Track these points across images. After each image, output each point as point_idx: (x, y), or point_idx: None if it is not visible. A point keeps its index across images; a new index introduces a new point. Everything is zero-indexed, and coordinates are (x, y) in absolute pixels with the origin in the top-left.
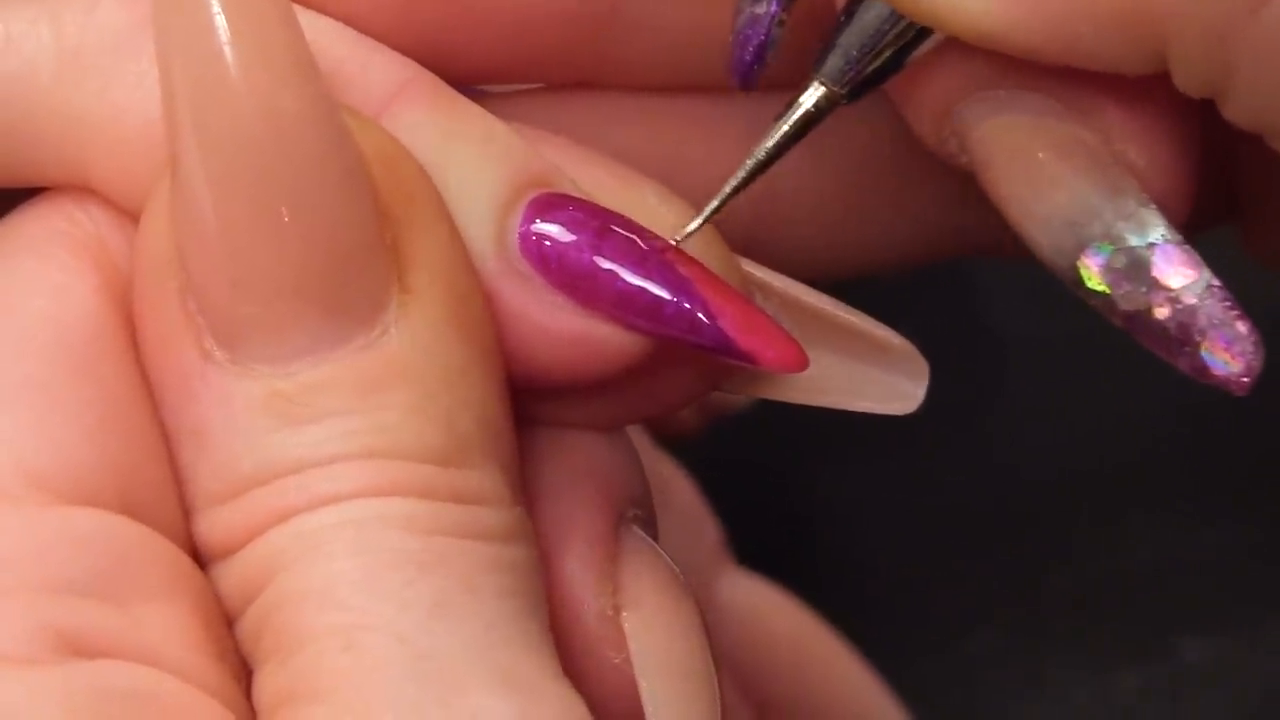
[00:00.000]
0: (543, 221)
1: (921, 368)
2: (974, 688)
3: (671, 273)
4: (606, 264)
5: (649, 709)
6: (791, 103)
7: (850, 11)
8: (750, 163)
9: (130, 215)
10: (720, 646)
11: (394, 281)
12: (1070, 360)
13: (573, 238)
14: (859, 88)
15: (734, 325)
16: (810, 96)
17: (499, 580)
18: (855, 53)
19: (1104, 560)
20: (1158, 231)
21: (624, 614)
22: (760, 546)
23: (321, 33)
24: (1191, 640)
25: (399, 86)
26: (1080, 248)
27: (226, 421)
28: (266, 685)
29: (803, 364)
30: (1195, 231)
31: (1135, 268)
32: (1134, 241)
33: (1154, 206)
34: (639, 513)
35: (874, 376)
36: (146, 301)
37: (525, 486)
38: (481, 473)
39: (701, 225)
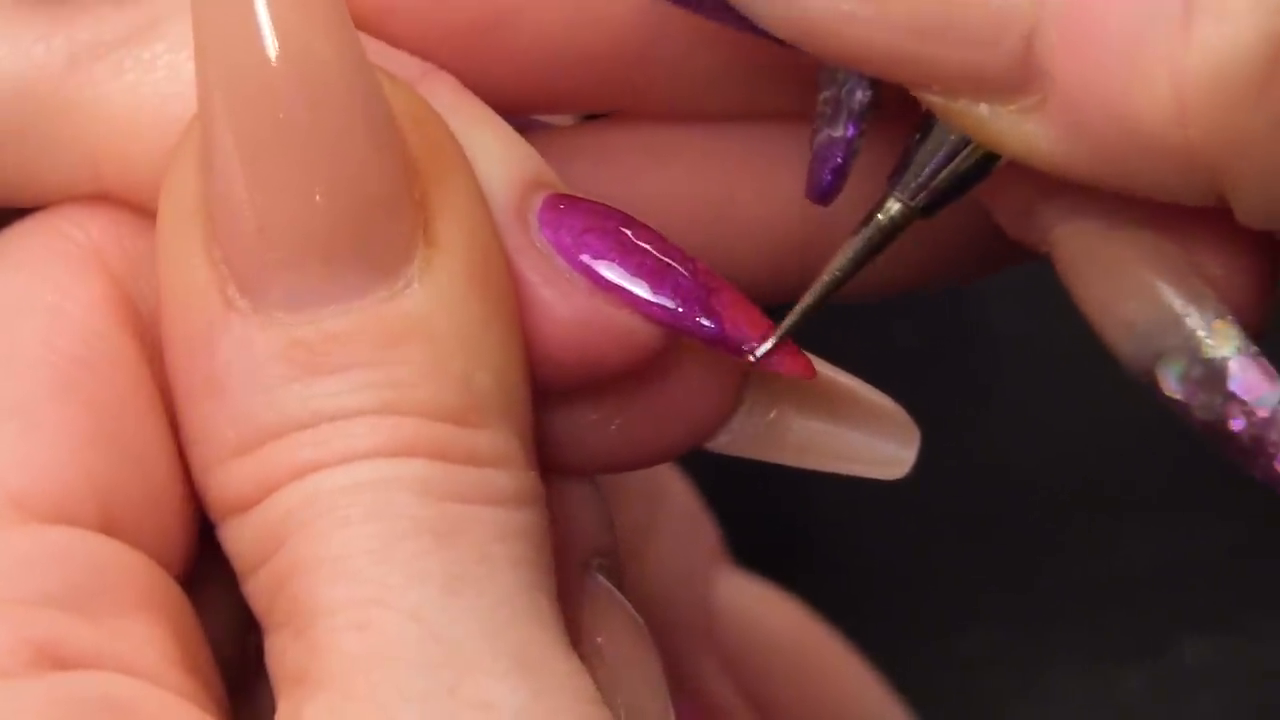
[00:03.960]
0: (560, 216)
1: (912, 433)
2: (973, 688)
3: (685, 272)
4: (621, 259)
5: None
6: (869, 218)
7: (926, 128)
8: (827, 278)
9: (136, 218)
10: (719, 648)
11: (420, 234)
12: (1069, 360)
13: (588, 234)
14: (934, 201)
15: (747, 321)
16: (887, 212)
17: (512, 549)
18: (930, 169)
19: (1103, 560)
20: (1234, 344)
21: (589, 661)
22: (758, 548)
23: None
24: (1191, 640)
25: (421, 73)
26: (1157, 356)
27: (246, 370)
28: (282, 655)
29: (811, 374)
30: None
31: (1211, 379)
32: (1211, 354)
33: (1231, 318)
34: (604, 561)
35: (864, 441)
36: (169, 251)
37: None
38: (496, 433)
39: (780, 338)
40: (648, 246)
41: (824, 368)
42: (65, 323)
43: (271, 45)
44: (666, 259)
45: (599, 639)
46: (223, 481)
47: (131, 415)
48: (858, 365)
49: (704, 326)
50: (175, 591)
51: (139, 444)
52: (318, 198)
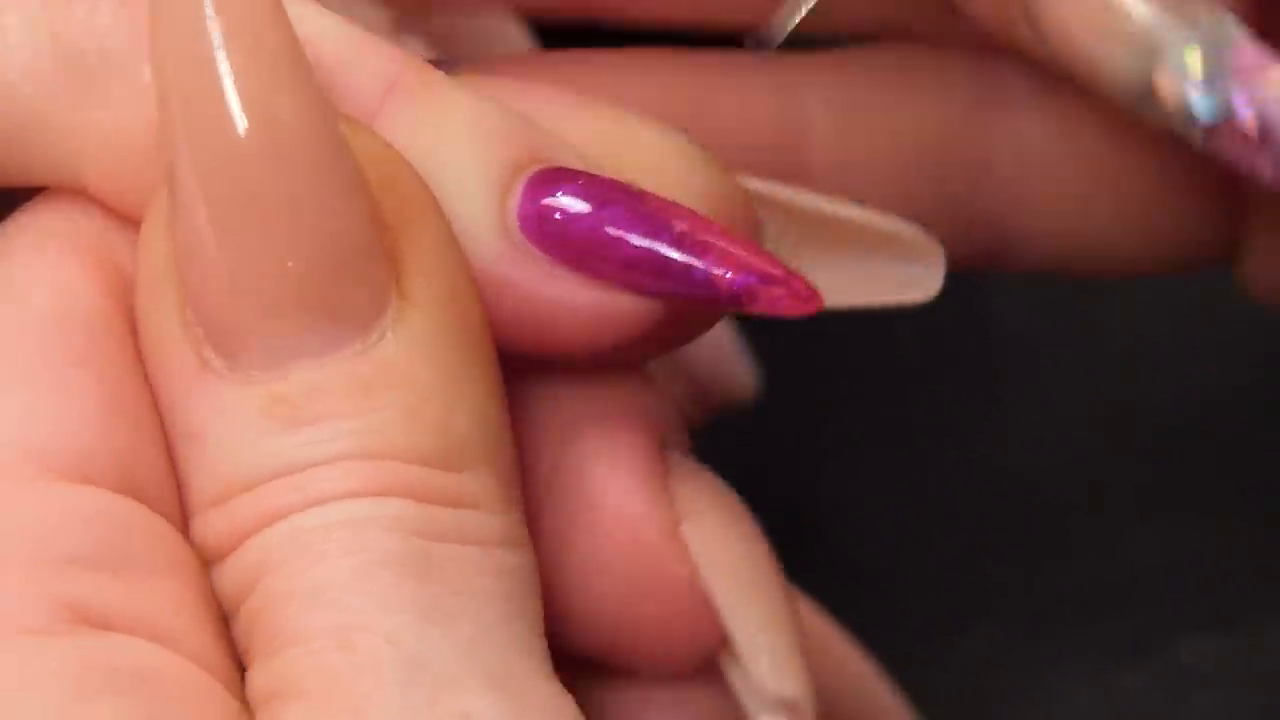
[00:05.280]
0: (541, 199)
1: (935, 251)
2: (973, 688)
3: (677, 234)
4: (610, 232)
5: (725, 614)
6: None
7: None
8: None
9: (130, 220)
10: None
11: (392, 287)
12: (1070, 360)
13: (573, 212)
14: None
15: (747, 279)
16: None
17: (491, 584)
18: None
19: (1104, 560)
20: (1231, 29)
21: (684, 527)
22: None
23: (309, 28)
24: (1191, 640)
25: (387, 86)
26: (1155, 59)
27: (223, 427)
28: (254, 683)
29: (820, 306)
30: (1189, 270)
31: (1215, 67)
32: (1211, 38)
33: (1224, 8)
34: (675, 437)
35: (888, 269)
36: (146, 312)
37: (570, 421)
38: (476, 476)
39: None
40: (635, 218)
41: (832, 204)
42: (75, 301)
43: (237, 112)
44: (651, 234)
45: (694, 505)
46: (203, 531)
47: (145, 390)
48: (860, 365)
49: (700, 295)
50: (196, 559)
51: (154, 418)
52: (288, 259)
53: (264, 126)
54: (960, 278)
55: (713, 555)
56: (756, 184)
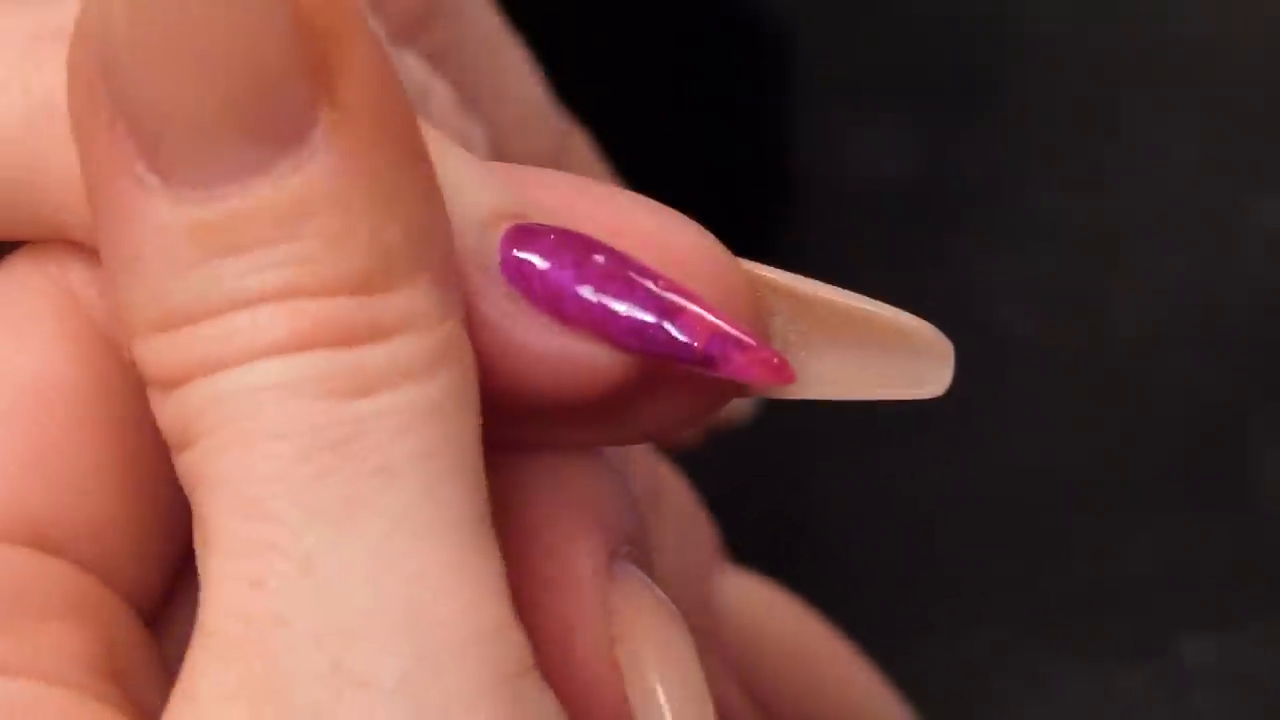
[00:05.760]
0: (522, 248)
1: (945, 348)
2: (973, 688)
3: (650, 293)
4: (582, 290)
5: None
6: None
7: None
8: None
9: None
10: (722, 648)
11: (322, 99)
12: (1070, 360)
13: (546, 266)
14: None
15: (718, 344)
16: None
17: (417, 441)
18: None
19: (1104, 560)
20: None
21: (619, 647)
22: (757, 547)
23: None
24: (1191, 640)
25: None
26: None
27: (158, 249)
28: (197, 561)
29: (790, 379)
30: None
31: None
32: None
33: None
34: (631, 549)
35: (897, 363)
36: (80, 130)
37: (516, 515)
38: (409, 290)
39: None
40: (612, 275)
41: (843, 295)
42: (26, 352)
43: None
44: (629, 290)
45: (632, 624)
46: (143, 356)
47: (85, 444)
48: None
49: (674, 354)
50: (111, 603)
51: (86, 471)
52: (207, 75)
53: None
54: (960, 277)
55: (640, 679)
56: (764, 271)
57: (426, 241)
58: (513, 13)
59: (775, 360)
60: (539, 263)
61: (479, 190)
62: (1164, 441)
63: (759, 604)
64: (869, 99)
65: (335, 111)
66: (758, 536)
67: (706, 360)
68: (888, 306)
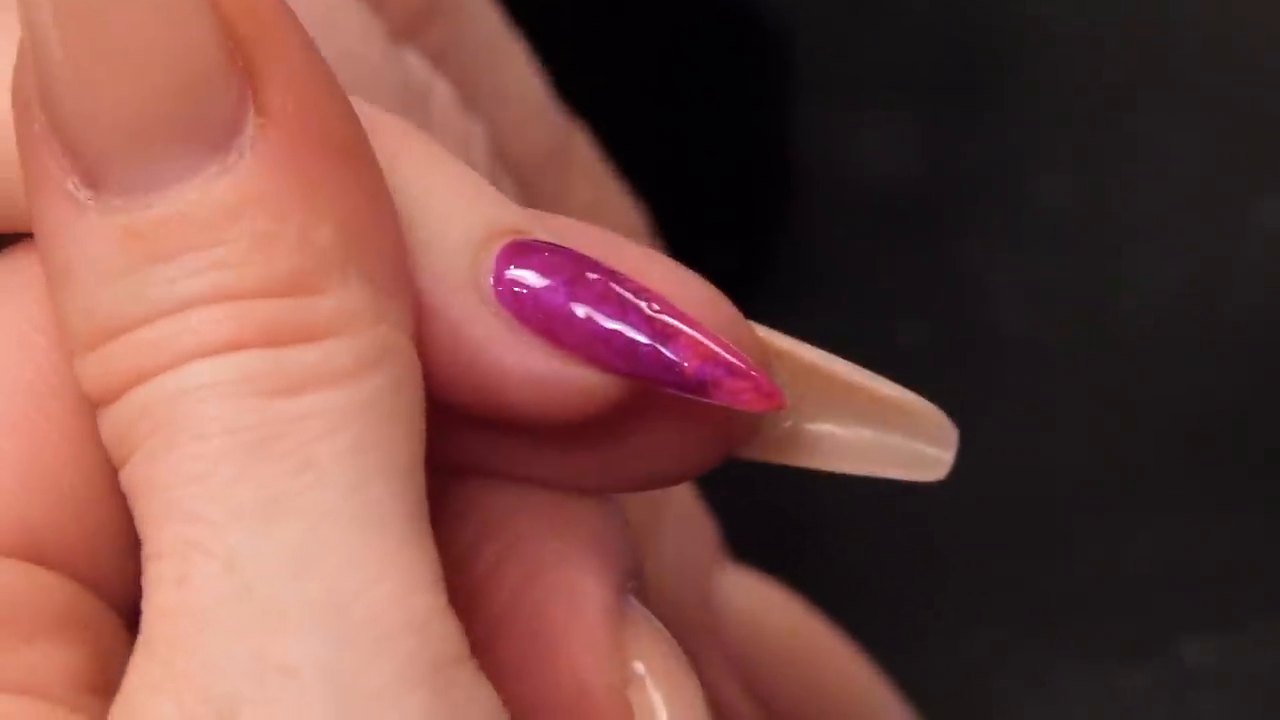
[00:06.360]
0: (516, 265)
1: (949, 434)
2: (972, 688)
3: (645, 315)
4: (578, 308)
5: None
6: None
7: None
8: None
9: None
10: (723, 647)
11: (248, 103)
12: (1070, 360)
13: (546, 281)
14: None
15: (711, 369)
16: None
17: (343, 439)
18: None
19: (1104, 560)
20: None
21: (630, 690)
22: (758, 546)
23: None
24: (1192, 640)
25: (369, 123)
26: None
27: (87, 262)
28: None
29: (782, 405)
30: None
31: None
32: None
33: None
34: (635, 584)
35: (898, 442)
36: (20, 145)
37: (526, 546)
38: (341, 290)
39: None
40: (605, 295)
41: (851, 370)
42: (20, 362)
43: None
44: (622, 310)
45: (639, 666)
46: (81, 373)
47: (80, 455)
48: (861, 365)
49: (664, 377)
50: (101, 616)
51: (81, 482)
52: (136, 77)
53: None
54: (961, 276)
55: (652, 716)
56: (774, 336)
57: (360, 242)
58: (512, 10)
59: (768, 387)
60: (532, 279)
61: (472, 208)
62: (1164, 441)
63: (759, 602)
64: (870, 96)
65: (262, 114)
66: (758, 534)
67: (698, 386)
68: (895, 385)
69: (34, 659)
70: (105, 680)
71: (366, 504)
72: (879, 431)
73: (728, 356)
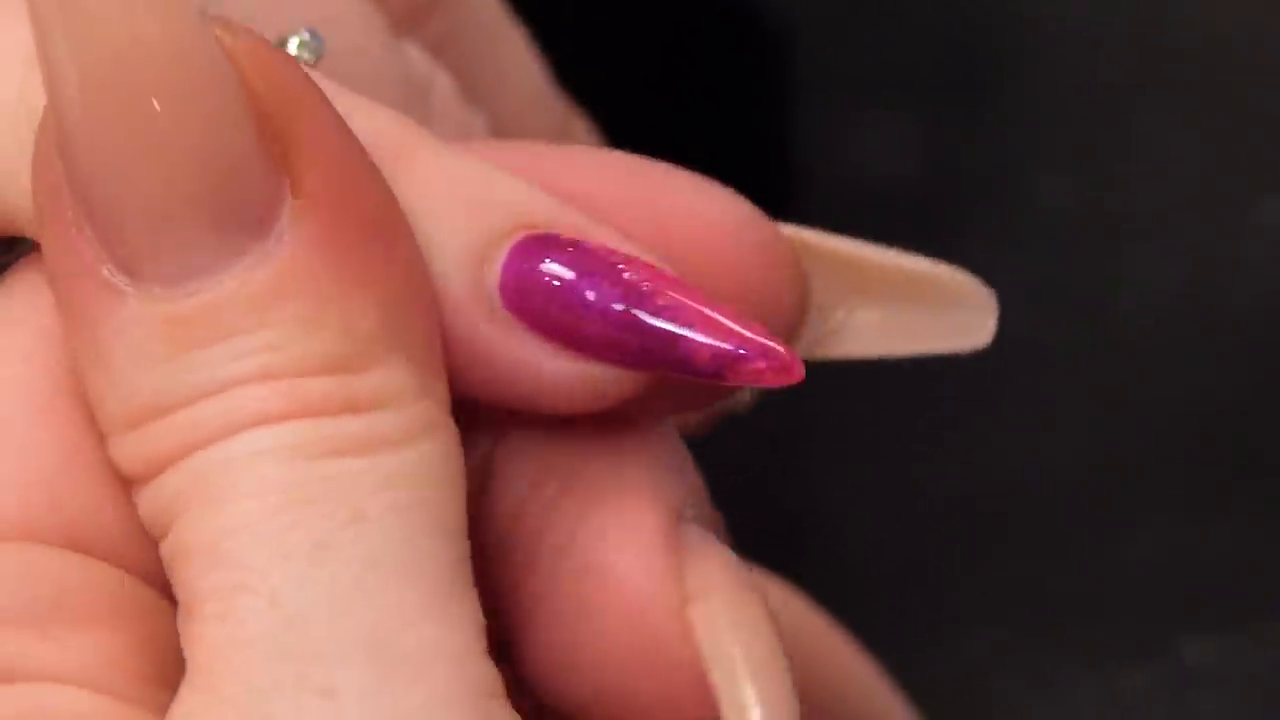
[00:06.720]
0: (522, 268)
1: (986, 298)
2: (973, 688)
3: (659, 306)
4: (590, 303)
5: (723, 702)
6: None
7: None
8: None
9: None
10: None
11: (284, 188)
12: (1071, 360)
13: (553, 282)
14: None
15: (726, 354)
16: None
17: (392, 497)
18: None
19: (1104, 560)
20: None
21: (690, 607)
22: (759, 547)
23: None
24: (1192, 640)
25: (371, 139)
26: None
27: (127, 349)
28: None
29: (799, 376)
30: None
31: None
32: None
33: None
34: (695, 511)
35: (938, 317)
36: (47, 233)
37: (579, 484)
38: (387, 370)
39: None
40: (613, 293)
41: (878, 252)
42: (54, 350)
43: (106, 37)
44: (633, 305)
45: (702, 585)
46: (117, 454)
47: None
48: (863, 366)
49: (679, 372)
50: (151, 603)
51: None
52: (169, 173)
53: (133, 45)
54: None
55: (717, 640)
56: (802, 233)
57: (401, 320)
58: (513, 10)
59: (785, 360)
60: (539, 282)
61: (475, 215)
62: (1164, 441)
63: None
64: (870, 96)
65: (299, 198)
66: (761, 534)
67: (714, 374)
68: (925, 260)
69: (85, 648)
70: (159, 666)
71: (413, 554)
72: (917, 309)
73: (743, 336)
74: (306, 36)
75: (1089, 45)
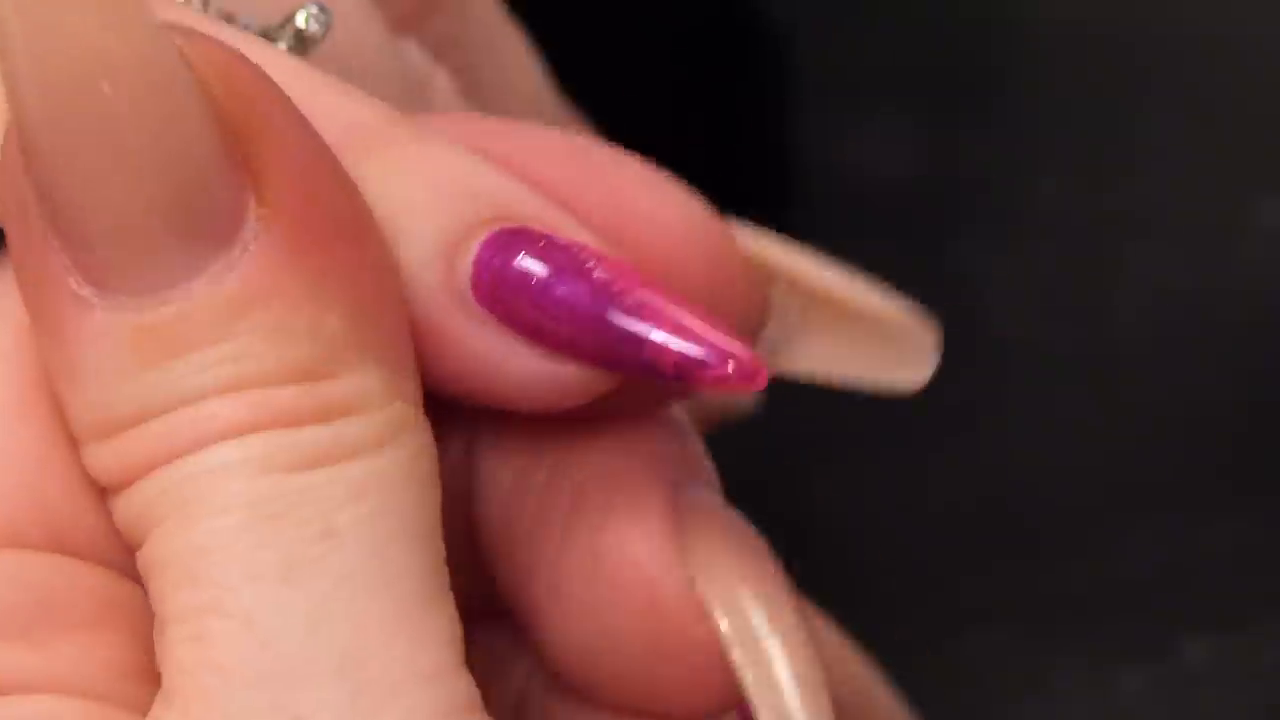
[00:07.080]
0: (494, 261)
1: (929, 342)
2: (973, 688)
3: (628, 305)
4: (558, 300)
5: (744, 677)
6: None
7: None
8: None
9: None
10: None
11: (249, 197)
12: (1070, 360)
13: (523, 278)
14: None
15: (692, 357)
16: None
17: (362, 507)
18: None
19: (1104, 560)
20: None
21: (698, 581)
22: None
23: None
24: (1192, 640)
25: (346, 135)
26: None
27: (96, 360)
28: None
29: (762, 383)
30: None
31: None
32: None
33: None
34: (697, 480)
35: (878, 351)
36: (15, 245)
37: (570, 467)
38: (357, 373)
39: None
40: (582, 292)
41: (832, 276)
42: (34, 343)
43: (67, 50)
44: (601, 305)
45: (709, 557)
46: (90, 463)
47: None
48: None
49: (645, 375)
50: (139, 600)
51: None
52: (133, 185)
53: (93, 59)
54: (960, 277)
55: (727, 608)
56: (763, 245)
57: (370, 323)
58: (513, 10)
59: (751, 365)
60: (512, 275)
61: (445, 207)
62: (1164, 442)
63: None
64: (869, 98)
65: (264, 206)
66: (760, 534)
67: (678, 379)
68: (877, 294)
69: (73, 652)
70: (148, 664)
71: (384, 567)
72: (860, 340)
73: (709, 339)
74: (315, 10)
75: (1089, 46)
